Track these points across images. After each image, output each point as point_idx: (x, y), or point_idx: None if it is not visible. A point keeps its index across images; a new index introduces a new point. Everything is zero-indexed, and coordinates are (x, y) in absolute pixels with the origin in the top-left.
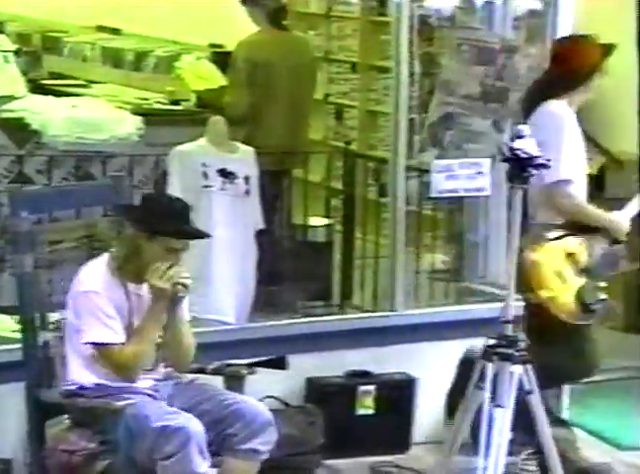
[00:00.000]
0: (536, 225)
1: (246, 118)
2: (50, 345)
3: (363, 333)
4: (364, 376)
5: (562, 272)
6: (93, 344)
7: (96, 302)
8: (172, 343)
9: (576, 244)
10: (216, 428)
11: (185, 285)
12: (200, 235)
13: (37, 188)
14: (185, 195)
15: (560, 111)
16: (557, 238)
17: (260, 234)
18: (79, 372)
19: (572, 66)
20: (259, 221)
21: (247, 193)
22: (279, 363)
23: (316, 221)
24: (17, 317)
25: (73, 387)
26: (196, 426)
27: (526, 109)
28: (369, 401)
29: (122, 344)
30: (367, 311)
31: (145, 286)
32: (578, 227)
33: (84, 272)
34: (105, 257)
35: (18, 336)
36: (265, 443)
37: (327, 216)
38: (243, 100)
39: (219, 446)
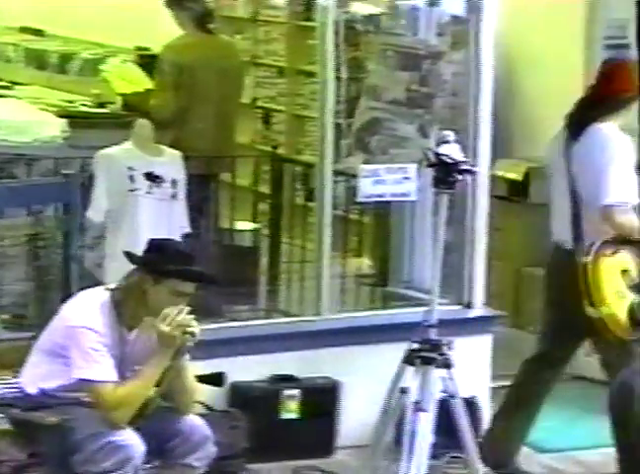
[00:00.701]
0: (593, 243)
1: (173, 121)
2: None
3: (289, 337)
4: (289, 381)
5: (619, 288)
6: (85, 380)
7: (93, 340)
8: (176, 387)
9: (630, 260)
10: (155, 441)
11: (193, 334)
12: (208, 278)
13: None
14: (111, 198)
15: (612, 132)
16: (612, 253)
17: (186, 238)
18: (35, 372)
19: (623, 88)
20: (185, 225)
21: (174, 196)
22: (216, 380)
23: (243, 225)
24: None
25: (16, 391)
26: (138, 445)
27: (574, 128)
28: (294, 405)
29: (116, 383)
30: (294, 315)
31: (136, 332)
32: (629, 242)
33: (78, 305)
34: (102, 295)
35: None
36: (201, 459)
37: (254, 220)
38: (169, 103)
39: (156, 458)
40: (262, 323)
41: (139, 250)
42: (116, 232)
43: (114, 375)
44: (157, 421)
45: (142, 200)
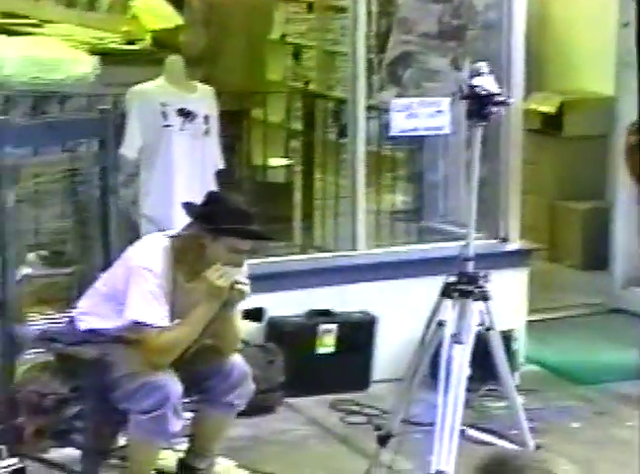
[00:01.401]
0: None
1: (203, 57)
2: (26, 281)
3: (325, 272)
4: (325, 315)
5: None
6: (136, 322)
7: (151, 282)
8: (221, 332)
9: None
10: (195, 379)
11: (242, 293)
12: (266, 237)
13: (23, 121)
14: (144, 135)
15: None
16: None
17: (219, 174)
18: (90, 310)
19: None
20: (218, 161)
21: (206, 132)
22: (256, 315)
23: (276, 162)
24: None
25: (71, 316)
26: (175, 385)
27: None
28: (330, 340)
29: (164, 328)
30: (328, 251)
31: (193, 285)
32: None
33: (142, 248)
34: (162, 241)
35: None
36: (241, 397)
37: (287, 157)
38: (199, 39)
39: (196, 395)
40: (298, 258)
41: (178, 194)
42: (149, 169)
43: (165, 321)
44: (199, 360)
45: (175, 137)
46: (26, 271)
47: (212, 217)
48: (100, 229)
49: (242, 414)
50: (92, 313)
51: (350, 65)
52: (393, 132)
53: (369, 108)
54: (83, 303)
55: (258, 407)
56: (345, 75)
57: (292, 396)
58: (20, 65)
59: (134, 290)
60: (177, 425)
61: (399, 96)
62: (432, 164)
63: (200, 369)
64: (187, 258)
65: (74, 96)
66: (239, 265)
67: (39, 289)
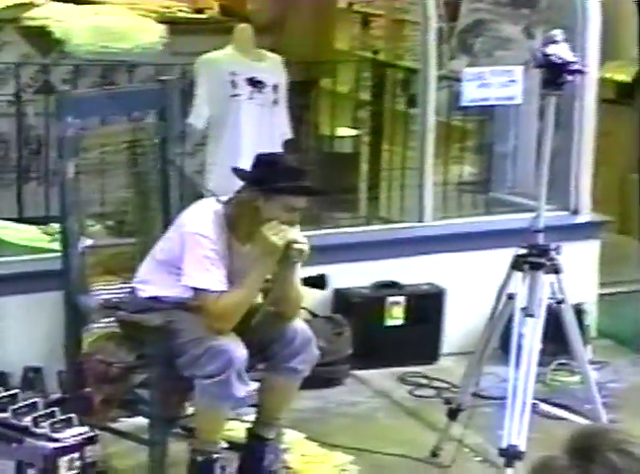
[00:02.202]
0: None
1: (271, 26)
2: (89, 251)
3: (392, 244)
4: (393, 287)
5: None
6: (194, 288)
7: (206, 247)
8: (282, 295)
9: None
10: (259, 345)
11: (301, 252)
12: (320, 192)
13: (83, 92)
14: (212, 104)
15: None
16: None
17: (287, 144)
18: (148, 278)
19: None
20: (287, 131)
21: (275, 102)
22: (318, 282)
23: (344, 132)
24: (44, 227)
25: (133, 287)
26: (239, 350)
27: None
28: (398, 312)
29: (222, 292)
30: (394, 222)
31: (249, 248)
32: None
33: (195, 213)
34: (215, 206)
35: (44, 245)
36: (305, 362)
37: (355, 127)
38: (266, 7)
39: (260, 362)
40: (364, 230)
41: (246, 164)
42: (217, 139)
43: (223, 285)
44: (261, 325)
45: (244, 106)
46: (88, 241)
47: (264, 178)
48: (160, 200)
49: (309, 386)
50: (151, 281)
51: (419, 34)
52: (464, 102)
53: (439, 77)
54: (142, 272)
55: (325, 379)
56: (414, 44)
57: (360, 368)
58: (88, 34)
59: (190, 257)
60: (241, 390)
61: (470, 65)
62: (502, 135)
63: (262, 336)
64: (241, 221)
65: (142, 65)
66: (294, 222)
67: (105, 259)
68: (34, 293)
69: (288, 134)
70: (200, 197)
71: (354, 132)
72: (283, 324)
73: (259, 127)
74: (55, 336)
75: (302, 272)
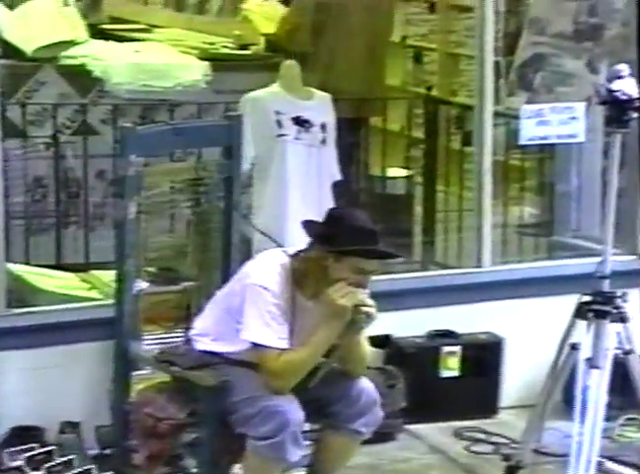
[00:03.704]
0: None
1: (318, 62)
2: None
3: (448, 290)
4: (449, 336)
5: None
6: (253, 344)
7: (269, 301)
8: (346, 358)
9: None
10: (318, 404)
11: (369, 315)
12: (392, 255)
13: (149, 127)
14: (257, 145)
15: None
16: None
17: (336, 186)
18: (206, 330)
19: None
20: (335, 172)
21: (323, 142)
22: (381, 342)
23: (395, 172)
24: (83, 274)
25: (188, 336)
26: (295, 411)
27: None
28: (454, 362)
29: (283, 350)
30: (451, 268)
31: (313, 304)
32: None
33: (260, 264)
34: (282, 259)
35: (82, 294)
36: (368, 425)
37: (407, 167)
38: (312, 42)
39: (319, 421)
40: (418, 275)
41: (293, 208)
42: (263, 181)
43: (284, 343)
44: (324, 383)
45: (291, 147)
46: (142, 285)
47: (334, 237)
48: (221, 243)
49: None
50: (209, 334)
51: (475, 69)
52: (523, 141)
53: (496, 114)
54: (200, 323)
55: (377, 434)
56: (470, 79)
57: (414, 422)
58: (128, 72)
59: (251, 310)
60: (296, 454)
61: (529, 101)
62: (564, 174)
63: (324, 394)
64: (307, 278)
65: (184, 104)
66: (364, 286)
67: (159, 305)
68: (71, 344)
69: (337, 175)
70: (248, 240)
71: (406, 173)
72: (347, 382)
73: (306, 168)
74: (93, 389)
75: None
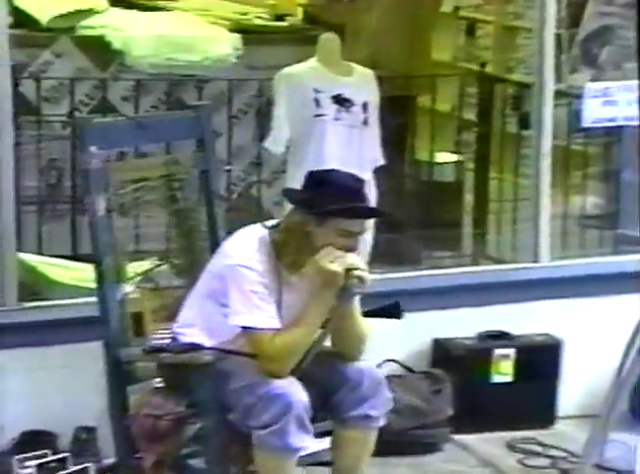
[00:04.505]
0: None
1: (361, 35)
2: (128, 299)
3: (501, 287)
4: (501, 338)
5: None
6: (243, 328)
7: (254, 281)
8: (342, 333)
9: None
10: (321, 392)
11: (362, 279)
12: (377, 213)
13: (108, 119)
14: (293, 126)
15: None
16: None
17: (379, 172)
18: (190, 321)
19: None
20: (378, 157)
21: (365, 122)
22: (391, 311)
23: (444, 157)
24: None
25: (172, 335)
26: (298, 393)
27: None
28: (507, 366)
29: (276, 331)
30: (505, 262)
31: (300, 278)
32: None
33: (237, 243)
34: (260, 232)
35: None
36: (376, 407)
37: (457, 152)
38: (355, 14)
39: (325, 413)
40: (469, 271)
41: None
42: (298, 166)
43: (275, 322)
44: (321, 369)
45: (329, 128)
46: (127, 288)
47: (315, 200)
48: (209, 242)
49: (403, 451)
50: (193, 324)
51: (534, 43)
52: (586, 123)
53: (557, 93)
54: (183, 315)
55: (422, 444)
56: (528, 55)
57: (462, 432)
58: (151, 45)
59: (236, 293)
60: (302, 439)
61: (594, 79)
62: (631, 160)
63: (324, 382)
64: (290, 249)
65: (212, 80)
66: (352, 249)
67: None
68: (87, 342)
69: (380, 160)
70: None
71: (456, 158)
72: (347, 366)
73: (346, 151)
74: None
75: (375, 303)
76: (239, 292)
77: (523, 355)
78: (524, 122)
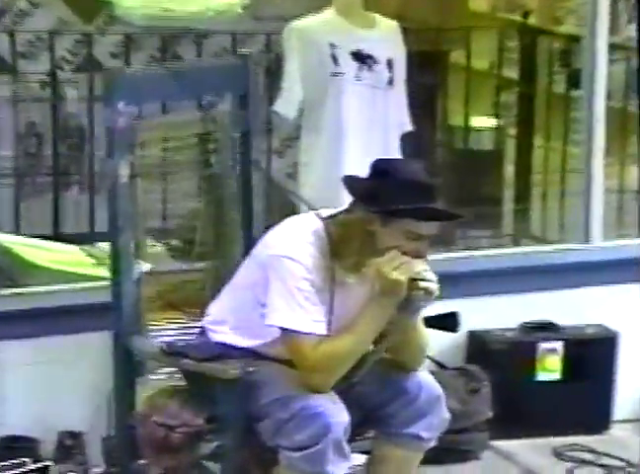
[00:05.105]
0: None
1: None
2: (148, 279)
3: (546, 272)
4: (547, 329)
5: None
6: (282, 329)
7: (299, 276)
8: (399, 348)
9: None
10: (368, 405)
11: (429, 291)
12: (454, 216)
13: (140, 69)
14: (307, 86)
15: None
16: None
17: (406, 138)
18: (223, 317)
19: None
20: (405, 121)
21: (390, 82)
22: (447, 323)
23: (482, 122)
24: (88, 247)
25: (203, 327)
26: (339, 414)
27: None
28: (554, 362)
29: (322, 337)
30: (551, 243)
31: (357, 280)
32: None
33: (286, 232)
34: (313, 224)
35: (87, 271)
36: (431, 428)
37: (496, 115)
38: None
39: (371, 427)
40: (510, 252)
41: (353, 166)
42: (313, 132)
43: (321, 327)
44: (371, 377)
45: (349, 88)
46: (146, 266)
47: (381, 194)
48: (240, 212)
49: (435, 459)
50: (227, 321)
51: None
52: None
53: (613, 47)
54: (215, 309)
55: (456, 451)
56: (579, 3)
57: (502, 438)
58: None
59: (277, 288)
60: (340, 467)
61: None
62: None
63: (373, 393)
64: (348, 247)
65: (215, 34)
66: (421, 255)
67: (167, 290)
68: (73, 334)
69: (408, 125)
70: (292, 210)
71: (495, 123)
72: (402, 377)
73: (369, 116)
74: (102, 390)
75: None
76: (281, 288)
77: (573, 350)
78: (574, 81)
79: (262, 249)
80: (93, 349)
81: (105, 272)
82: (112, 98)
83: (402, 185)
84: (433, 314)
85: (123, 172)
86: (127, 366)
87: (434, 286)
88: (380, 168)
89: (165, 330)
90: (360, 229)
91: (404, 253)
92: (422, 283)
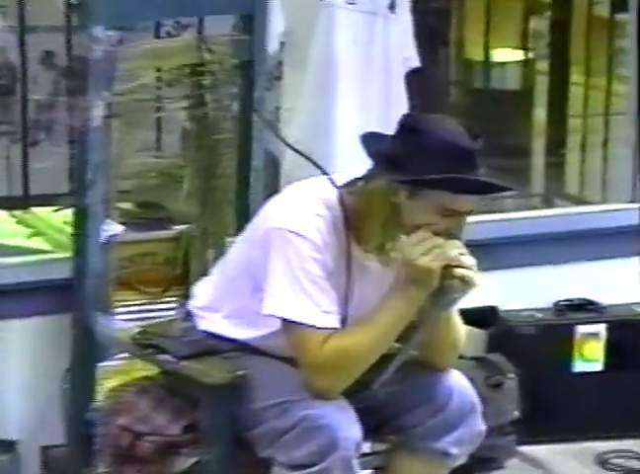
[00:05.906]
0: None
1: None
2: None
3: (585, 238)
4: (587, 310)
5: None
6: (282, 320)
7: (306, 256)
8: (432, 341)
9: None
10: (385, 411)
11: (466, 281)
12: (500, 188)
13: None
14: (290, 13)
15: None
16: None
17: (412, 76)
18: (214, 302)
19: None
20: (410, 54)
21: (391, 7)
22: (483, 318)
23: (505, 55)
24: (20, 213)
25: (189, 312)
26: (349, 426)
27: None
28: (595, 349)
29: (332, 331)
30: (590, 204)
31: (377, 260)
32: None
33: (290, 202)
34: (327, 195)
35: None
36: (462, 442)
37: (524, 47)
38: None
39: (387, 439)
40: (540, 215)
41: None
42: (298, 69)
43: (332, 320)
44: (393, 378)
45: (340, 15)
46: (115, 228)
47: (409, 160)
48: (237, 167)
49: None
50: (217, 308)
51: None
52: None
53: None
54: (203, 290)
55: (477, 458)
56: None
57: (532, 442)
58: None
59: (279, 269)
60: None
61: None
62: None
63: (393, 397)
64: (368, 223)
65: None
66: (457, 236)
67: (124, 263)
68: (3, 320)
69: (414, 60)
70: (275, 161)
71: (522, 56)
72: (430, 378)
73: (365, 49)
74: (39, 390)
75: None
76: (283, 269)
77: (618, 334)
78: (621, 3)
79: (262, 220)
80: (28, 338)
81: (42, 244)
82: (87, 20)
83: (436, 148)
84: (469, 307)
85: (98, 113)
86: (88, 350)
87: (472, 274)
88: (409, 125)
89: (138, 310)
90: (384, 201)
91: (436, 233)
92: (458, 271)
